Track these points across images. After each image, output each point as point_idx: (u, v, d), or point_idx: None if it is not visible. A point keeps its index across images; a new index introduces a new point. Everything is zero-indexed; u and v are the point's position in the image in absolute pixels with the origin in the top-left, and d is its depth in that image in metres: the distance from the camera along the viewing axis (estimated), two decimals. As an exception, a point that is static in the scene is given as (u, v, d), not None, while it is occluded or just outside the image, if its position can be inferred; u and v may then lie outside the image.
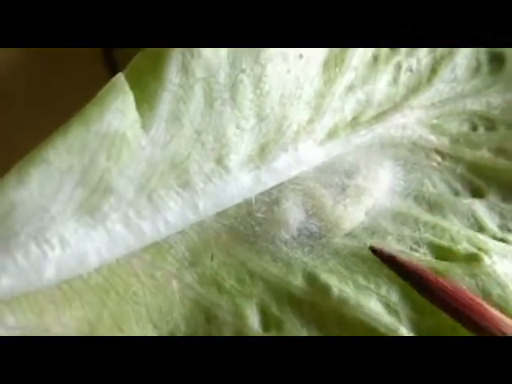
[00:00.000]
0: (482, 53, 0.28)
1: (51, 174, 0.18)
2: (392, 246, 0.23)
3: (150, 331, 0.21)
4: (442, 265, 0.23)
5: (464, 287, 0.22)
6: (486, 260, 0.22)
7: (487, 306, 0.21)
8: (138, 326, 0.21)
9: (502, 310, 0.21)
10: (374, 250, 0.22)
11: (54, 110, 0.24)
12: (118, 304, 0.21)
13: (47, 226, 0.18)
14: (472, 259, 0.23)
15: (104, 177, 0.19)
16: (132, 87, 0.20)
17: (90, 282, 0.21)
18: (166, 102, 0.20)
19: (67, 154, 0.18)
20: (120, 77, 0.20)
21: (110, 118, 0.19)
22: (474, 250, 0.23)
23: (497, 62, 0.28)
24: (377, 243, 0.22)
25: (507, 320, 0.21)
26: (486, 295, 0.22)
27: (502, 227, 0.25)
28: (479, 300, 0.21)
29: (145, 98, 0.20)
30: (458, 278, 0.22)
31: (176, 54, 0.21)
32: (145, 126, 0.20)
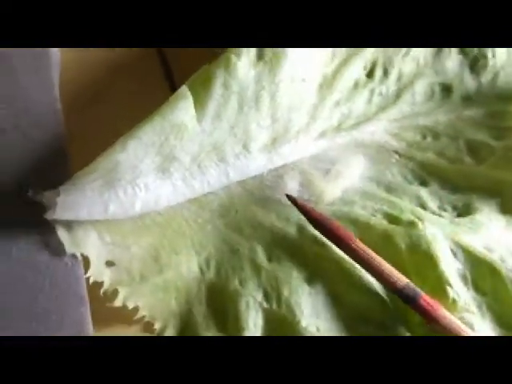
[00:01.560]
0: (436, 84, 0.35)
1: (141, 146, 0.28)
2: (356, 211, 0.31)
3: (193, 255, 0.29)
4: (390, 227, 0.30)
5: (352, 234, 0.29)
6: (420, 225, 0.29)
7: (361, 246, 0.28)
8: (186, 252, 0.29)
9: (427, 259, 0.29)
10: (288, 197, 0.30)
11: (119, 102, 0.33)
12: (173, 237, 0.30)
13: (137, 176, 0.28)
14: (411, 224, 0.30)
15: (172, 150, 0.29)
16: (191, 95, 0.29)
17: (156, 220, 0.30)
18: (212, 106, 0.29)
19: (151, 134, 0.28)
20: (184, 88, 0.29)
21: (178, 113, 0.28)
22: (414, 219, 0.30)
23: (446, 91, 0.35)
24: (292, 195, 0.30)
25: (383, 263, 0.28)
26: (416, 248, 0.29)
27: (440, 207, 0.32)
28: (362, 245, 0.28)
29: (199, 103, 0.29)
30: (400, 236, 0.29)
31: (219, 74, 0.30)
32: (199, 120, 0.29)
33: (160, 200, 0.28)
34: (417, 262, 0.29)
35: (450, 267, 0.29)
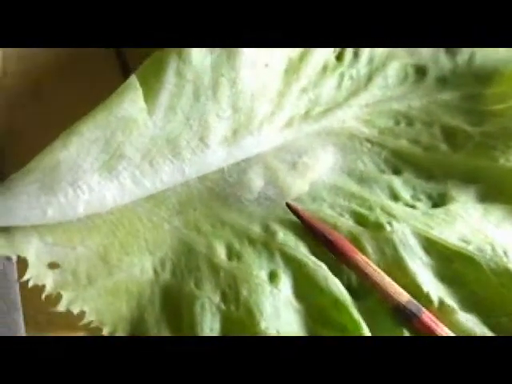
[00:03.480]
0: (410, 66, 0.34)
1: (84, 142, 0.26)
2: (324, 211, 0.29)
3: (147, 256, 0.28)
4: (357, 229, 0.28)
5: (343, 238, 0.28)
6: (387, 228, 0.28)
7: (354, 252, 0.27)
8: (139, 252, 0.28)
9: (394, 261, 0.28)
10: (289, 206, 0.29)
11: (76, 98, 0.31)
12: (125, 236, 0.28)
13: (80, 177, 0.26)
14: (378, 227, 0.28)
15: (119, 146, 0.26)
16: (141, 85, 0.27)
17: (106, 219, 0.28)
18: (164, 96, 0.27)
19: (96, 129, 0.26)
20: (133, 77, 0.27)
21: (126, 105, 0.26)
22: (381, 220, 0.28)
23: (420, 74, 0.34)
24: (292, 203, 0.29)
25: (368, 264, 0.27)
26: (382, 253, 0.28)
27: (414, 197, 0.31)
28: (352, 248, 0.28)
29: (150, 93, 0.27)
30: (366, 240, 0.28)
31: (172, 61, 0.28)
32: (149, 113, 0.27)
33: (106, 201, 0.26)
34: (385, 266, 0.28)
35: (422, 267, 0.28)
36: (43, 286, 0.26)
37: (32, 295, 0.26)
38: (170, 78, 0.27)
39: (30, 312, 0.26)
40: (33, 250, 0.26)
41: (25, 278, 0.26)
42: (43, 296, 0.26)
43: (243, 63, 0.29)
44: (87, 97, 0.28)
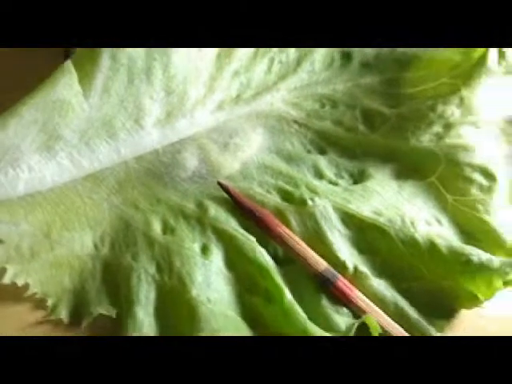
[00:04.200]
0: (336, 51, 0.35)
1: (23, 123, 0.27)
2: (253, 189, 0.31)
3: (88, 232, 0.29)
4: (282, 205, 0.30)
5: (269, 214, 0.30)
6: (309, 203, 0.30)
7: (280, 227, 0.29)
8: (80, 228, 0.29)
9: (316, 233, 0.30)
10: (220, 185, 0.31)
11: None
12: (66, 213, 0.29)
13: (19, 157, 0.27)
14: (302, 202, 0.31)
15: (56, 128, 0.28)
16: (76, 69, 0.28)
17: (47, 196, 0.29)
18: (99, 79, 0.29)
19: (34, 111, 0.27)
20: (68, 62, 0.28)
21: (61, 89, 0.27)
22: (305, 196, 0.30)
23: (346, 59, 0.35)
24: (223, 181, 0.31)
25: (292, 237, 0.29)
26: (305, 226, 0.30)
27: (336, 175, 0.33)
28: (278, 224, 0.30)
29: (86, 77, 0.28)
30: (291, 214, 0.30)
31: None
32: (85, 96, 0.28)
33: (45, 180, 0.27)
34: (308, 237, 0.30)
35: (339, 238, 0.30)
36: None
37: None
38: (105, 61, 0.28)
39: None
40: None
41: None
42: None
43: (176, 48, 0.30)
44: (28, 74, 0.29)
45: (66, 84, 0.27)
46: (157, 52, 0.30)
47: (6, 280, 0.27)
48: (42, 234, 0.29)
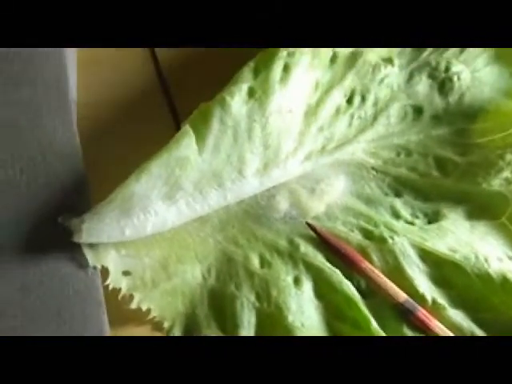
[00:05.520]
0: (408, 106, 0.39)
1: (152, 178, 0.32)
2: (338, 228, 0.35)
3: (197, 264, 0.33)
4: (364, 243, 0.33)
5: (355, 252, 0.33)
6: (389, 241, 0.33)
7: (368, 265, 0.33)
8: (191, 261, 0.34)
9: (396, 268, 0.33)
10: (309, 225, 0.34)
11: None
12: (179, 249, 0.34)
13: (148, 204, 0.32)
14: (382, 240, 0.34)
15: (177, 180, 0.33)
16: (193, 130, 0.33)
17: (164, 235, 0.33)
18: (211, 139, 0.33)
19: (160, 167, 0.32)
20: (187, 126, 0.33)
21: (182, 149, 0.32)
22: (385, 234, 0.33)
23: (417, 113, 0.39)
24: (311, 221, 0.34)
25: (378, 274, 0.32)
26: (385, 261, 0.33)
27: (413, 215, 0.36)
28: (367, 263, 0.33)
29: (200, 137, 0.33)
30: (372, 251, 0.33)
31: (216, 111, 0.33)
32: (200, 152, 0.33)
33: (167, 222, 0.32)
34: (388, 271, 0.33)
35: (418, 273, 0.33)
36: (120, 289, 0.31)
37: (112, 296, 0.31)
38: (214, 124, 0.33)
39: (111, 309, 0.31)
40: (111, 261, 0.32)
41: (106, 282, 0.32)
42: (120, 297, 0.31)
43: (271, 110, 0.35)
44: (143, 137, 0.34)
45: (187, 144, 0.32)
46: (256, 114, 0.34)
47: (133, 305, 0.31)
48: (160, 267, 0.33)
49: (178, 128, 0.36)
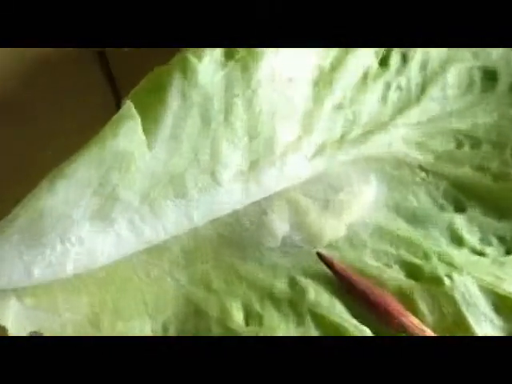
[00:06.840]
0: (476, 69, 0.38)
1: (73, 187, 0.31)
2: (366, 261, 0.34)
3: (146, 320, 0.33)
4: (408, 284, 0.33)
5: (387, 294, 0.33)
6: (446, 282, 0.33)
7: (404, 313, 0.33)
8: (137, 316, 0.33)
9: (456, 323, 0.33)
10: (320, 256, 0.34)
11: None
12: (118, 296, 0.33)
13: (69, 227, 0.31)
14: (434, 280, 0.33)
15: (115, 188, 0.32)
16: (138, 112, 0.32)
17: (95, 276, 0.33)
18: (167, 124, 0.33)
19: (87, 169, 0.31)
20: (129, 104, 0.32)
21: (121, 140, 0.32)
22: (439, 273, 0.33)
23: (489, 81, 0.38)
24: (324, 251, 0.34)
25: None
26: (440, 313, 0.33)
27: (482, 241, 0.36)
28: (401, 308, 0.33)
29: (149, 122, 0.32)
30: (420, 297, 0.33)
31: (176, 82, 0.33)
32: (149, 145, 0.32)
33: (98, 256, 0.32)
34: (444, 328, 0.33)
35: (488, 328, 0.33)
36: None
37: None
38: (172, 101, 0.32)
39: None
40: (12, 316, 0.31)
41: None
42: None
43: (262, 79, 0.34)
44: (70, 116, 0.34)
45: (127, 134, 0.31)
46: (238, 85, 0.33)
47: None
48: (90, 325, 0.33)
49: (117, 106, 0.35)
